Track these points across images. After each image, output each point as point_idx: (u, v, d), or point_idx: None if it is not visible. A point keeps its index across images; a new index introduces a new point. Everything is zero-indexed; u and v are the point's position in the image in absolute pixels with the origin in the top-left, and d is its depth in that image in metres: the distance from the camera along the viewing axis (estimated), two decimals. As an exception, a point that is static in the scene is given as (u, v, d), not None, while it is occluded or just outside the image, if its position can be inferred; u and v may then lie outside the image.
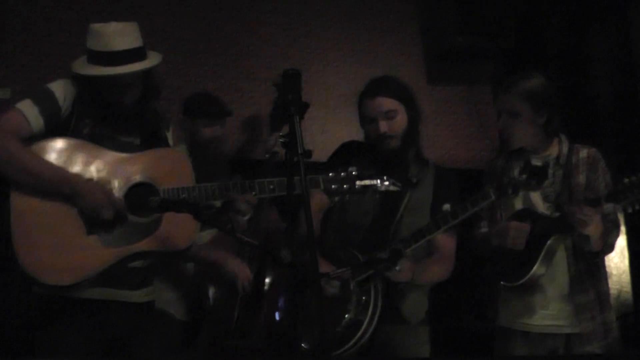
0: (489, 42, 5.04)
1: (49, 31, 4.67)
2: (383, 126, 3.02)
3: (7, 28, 4.62)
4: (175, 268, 3.48)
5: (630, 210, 2.87)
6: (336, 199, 2.87)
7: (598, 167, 3.16)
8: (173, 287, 3.48)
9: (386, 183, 2.77)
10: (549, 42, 5.10)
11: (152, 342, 2.93)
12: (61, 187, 2.62)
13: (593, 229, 2.93)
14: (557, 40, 5.08)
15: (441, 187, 3.11)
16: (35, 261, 2.58)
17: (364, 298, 2.92)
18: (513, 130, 3.16)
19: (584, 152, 3.19)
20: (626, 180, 2.88)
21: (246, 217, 2.81)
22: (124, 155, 2.74)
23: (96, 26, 2.72)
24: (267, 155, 3.86)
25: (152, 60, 2.78)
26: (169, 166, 2.78)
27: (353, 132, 3.35)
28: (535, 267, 3.02)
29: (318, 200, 2.94)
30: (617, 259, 4.79)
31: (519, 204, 3.11)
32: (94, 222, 2.64)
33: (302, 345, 2.82)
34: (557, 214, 3.05)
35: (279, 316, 3.07)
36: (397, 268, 2.86)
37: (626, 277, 4.81)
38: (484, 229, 3.21)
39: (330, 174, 2.78)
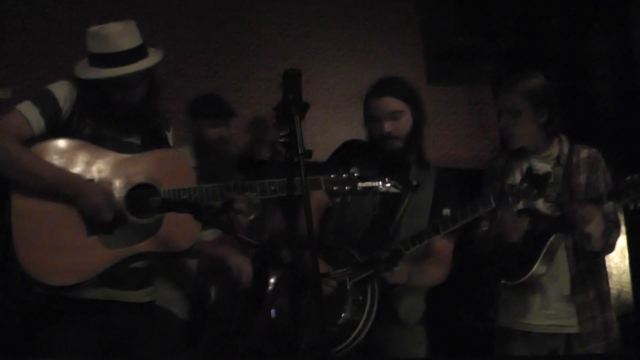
0: (489, 42, 5.05)
1: (49, 31, 4.68)
2: (387, 126, 3.00)
3: (7, 28, 4.63)
4: (178, 268, 3.48)
5: (632, 208, 2.88)
6: (337, 200, 2.87)
7: (598, 167, 3.16)
8: (176, 287, 3.49)
9: (387, 185, 2.77)
10: (549, 42, 5.10)
11: (154, 341, 2.93)
12: (62, 188, 2.62)
13: (594, 228, 2.93)
14: (557, 40, 5.08)
15: (441, 190, 3.10)
16: (35, 261, 2.58)
17: (360, 298, 2.91)
18: (514, 130, 3.16)
19: (584, 152, 3.19)
20: (628, 178, 2.89)
21: (250, 217, 2.81)
22: (125, 156, 2.74)
23: (95, 29, 2.71)
24: (267, 155, 3.87)
25: (155, 57, 2.78)
26: (169, 167, 2.78)
27: (353, 132, 3.35)
28: (535, 266, 3.02)
29: (317, 198, 2.94)
30: (618, 259, 4.80)
31: (519, 204, 3.11)
32: (94, 223, 2.64)
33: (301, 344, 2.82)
34: (557, 213, 3.05)
35: (280, 316, 3.07)
36: (397, 268, 2.86)
37: (626, 277, 4.82)
38: (485, 229, 3.21)
39: (332, 175, 2.77)
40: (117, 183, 2.69)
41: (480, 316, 3.44)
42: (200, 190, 2.72)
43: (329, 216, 3.14)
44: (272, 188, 2.74)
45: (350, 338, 2.85)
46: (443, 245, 3.06)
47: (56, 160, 2.65)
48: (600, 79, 4.95)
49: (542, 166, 3.19)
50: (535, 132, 3.16)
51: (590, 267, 3.12)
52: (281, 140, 2.33)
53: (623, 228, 3.77)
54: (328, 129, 4.92)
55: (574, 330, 3.11)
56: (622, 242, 4.65)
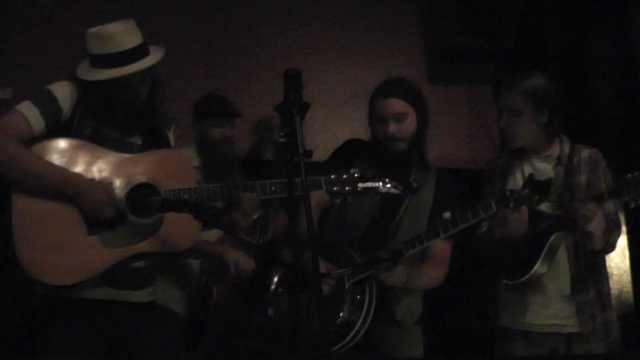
0: (489, 42, 5.06)
1: (49, 31, 4.68)
2: (392, 127, 3.00)
3: (7, 28, 4.63)
4: (181, 267, 3.49)
5: (633, 205, 2.88)
6: (338, 200, 2.86)
7: (599, 167, 3.16)
8: (178, 285, 3.49)
9: (388, 185, 2.77)
10: (549, 42, 5.10)
11: (154, 341, 2.93)
12: (62, 187, 2.62)
13: (595, 226, 2.93)
14: (557, 40, 5.08)
15: (442, 192, 3.10)
16: (36, 261, 2.58)
17: (358, 297, 2.92)
18: (514, 129, 3.16)
19: (585, 153, 3.19)
20: (629, 176, 2.89)
21: (252, 217, 2.81)
22: (125, 155, 2.74)
23: (95, 30, 2.71)
24: (267, 156, 3.87)
25: (158, 54, 2.78)
26: (170, 167, 2.78)
27: (353, 131, 3.35)
28: (536, 265, 3.02)
29: (317, 196, 2.94)
30: (618, 259, 4.80)
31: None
32: (95, 222, 2.64)
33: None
34: (558, 213, 3.05)
35: (277, 314, 3.07)
36: (393, 270, 2.86)
37: (627, 277, 4.82)
38: (485, 230, 3.21)
39: (333, 176, 2.77)
40: (118, 183, 2.69)
41: (481, 316, 3.44)
42: (201, 191, 2.72)
43: (328, 215, 3.14)
44: (273, 188, 2.74)
45: (348, 338, 2.85)
46: (441, 247, 3.05)
47: (57, 160, 2.64)
48: (600, 79, 4.95)
49: (542, 166, 3.19)
50: (536, 132, 3.16)
51: (590, 266, 3.12)
52: (282, 140, 2.33)
53: (623, 228, 3.77)
54: (328, 129, 4.93)
55: (574, 330, 3.11)
56: (622, 242, 4.65)
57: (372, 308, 2.89)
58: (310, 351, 2.56)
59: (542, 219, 3.05)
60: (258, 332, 3.19)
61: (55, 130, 2.69)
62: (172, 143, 2.96)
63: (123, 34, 2.70)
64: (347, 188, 2.76)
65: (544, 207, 3.08)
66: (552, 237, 3.03)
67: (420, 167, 3.11)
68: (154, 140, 2.85)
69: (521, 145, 3.19)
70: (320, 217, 3.11)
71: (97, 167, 2.68)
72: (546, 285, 3.12)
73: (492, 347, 3.29)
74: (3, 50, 4.57)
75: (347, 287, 2.92)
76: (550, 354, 3.13)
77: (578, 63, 5.01)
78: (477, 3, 5.02)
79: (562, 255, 3.11)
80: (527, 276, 3.04)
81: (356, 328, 2.86)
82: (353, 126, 4.82)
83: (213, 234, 3.39)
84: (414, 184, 2.97)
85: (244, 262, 3.20)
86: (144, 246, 2.69)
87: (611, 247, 3.12)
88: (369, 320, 2.88)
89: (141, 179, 2.71)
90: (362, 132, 3.21)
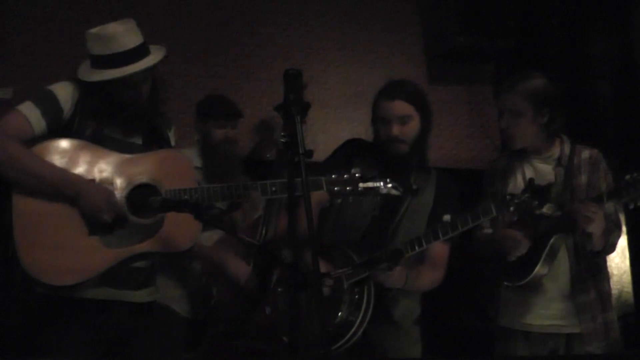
0: (490, 42, 5.05)
1: (49, 31, 4.68)
2: (396, 130, 2.99)
3: (7, 28, 4.62)
4: (182, 266, 3.49)
5: (632, 207, 2.88)
6: (338, 200, 2.86)
7: (599, 167, 3.16)
8: (179, 285, 3.49)
9: (389, 185, 2.76)
10: (549, 42, 5.10)
11: (155, 340, 2.93)
12: (62, 188, 2.62)
13: (596, 227, 2.93)
14: (557, 40, 5.08)
15: (442, 195, 3.10)
16: (36, 261, 2.58)
17: (357, 298, 2.92)
18: (515, 130, 3.16)
19: (585, 153, 3.19)
20: (628, 177, 2.89)
21: (254, 217, 2.82)
22: (126, 156, 2.74)
23: (95, 30, 2.71)
24: (268, 156, 3.87)
25: (159, 53, 2.79)
26: (171, 167, 2.78)
27: (353, 132, 3.36)
28: (537, 267, 3.02)
29: (317, 196, 2.93)
30: (618, 259, 4.80)
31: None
32: (95, 223, 2.64)
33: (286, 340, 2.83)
34: (558, 214, 3.05)
35: (275, 313, 3.07)
36: (397, 269, 2.86)
37: (627, 278, 4.82)
38: (487, 230, 3.21)
39: (333, 176, 2.77)
40: (119, 183, 2.69)
41: (481, 316, 3.44)
42: (201, 191, 2.72)
43: (327, 216, 3.14)
44: (273, 189, 2.74)
45: (346, 337, 2.86)
46: (439, 249, 3.05)
47: (57, 160, 2.65)
48: (600, 79, 4.95)
49: (543, 167, 3.19)
50: (536, 132, 3.16)
51: (591, 267, 3.12)
52: (282, 140, 2.33)
53: (624, 228, 3.77)
54: (328, 129, 4.93)
55: (575, 330, 3.11)
56: (622, 242, 4.65)
57: (370, 308, 2.89)
58: (309, 351, 2.56)
59: (543, 221, 3.05)
60: (258, 332, 3.19)
61: (56, 130, 2.69)
62: (173, 143, 2.96)
63: (124, 34, 2.70)
64: (347, 188, 2.76)
65: (544, 208, 3.08)
66: (552, 239, 3.03)
67: (420, 169, 3.11)
68: (155, 141, 2.85)
69: (522, 146, 3.19)
70: (320, 217, 3.11)
71: (97, 167, 2.68)
72: (546, 286, 3.12)
73: (492, 347, 3.29)
74: (3, 50, 4.57)
75: (345, 287, 2.92)
76: (550, 354, 3.13)
77: (578, 63, 5.00)
78: (477, 3, 5.02)
79: (563, 255, 3.11)
80: (528, 278, 3.04)
81: (354, 328, 2.86)
82: (353, 126, 4.82)
83: (214, 234, 3.39)
84: (414, 186, 2.97)
85: (244, 273, 3.22)
86: (144, 246, 2.69)
87: (611, 247, 3.12)
88: (366, 321, 2.88)
89: (142, 179, 2.71)
90: (362, 132, 3.21)
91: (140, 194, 2.69)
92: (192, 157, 3.50)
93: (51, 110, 2.68)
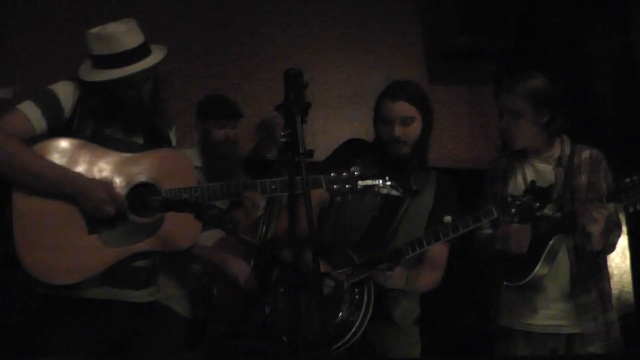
0: (490, 43, 5.05)
1: (49, 31, 4.67)
2: (398, 131, 3.00)
3: (7, 28, 4.62)
4: (183, 266, 3.49)
5: (631, 210, 2.88)
6: (338, 199, 2.86)
7: (600, 168, 3.16)
8: (179, 285, 3.49)
9: (388, 184, 2.77)
10: (549, 42, 5.10)
11: (155, 340, 2.93)
12: (62, 187, 2.62)
13: (596, 227, 2.93)
14: (557, 40, 5.08)
15: (442, 196, 3.10)
16: (36, 261, 2.58)
17: (357, 298, 2.92)
18: (515, 130, 3.16)
19: (586, 153, 3.19)
20: (627, 180, 2.88)
21: (254, 216, 2.82)
22: (126, 155, 2.74)
23: (96, 30, 2.71)
24: (268, 156, 3.87)
25: (160, 53, 2.79)
26: (171, 167, 2.78)
27: (353, 131, 3.36)
28: (537, 267, 3.02)
29: (316, 194, 2.94)
30: (619, 259, 4.80)
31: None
32: (96, 220, 2.64)
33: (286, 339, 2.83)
34: (558, 214, 3.05)
35: (274, 313, 3.07)
36: (390, 273, 2.86)
37: (627, 278, 4.82)
38: (487, 230, 3.20)
39: (333, 174, 2.77)
40: (118, 182, 2.69)
41: (481, 316, 3.44)
42: (201, 190, 2.72)
43: (327, 215, 3.14)
44: (273, 187, 2.75)
45: (346, 337, 2.86)
46: (439, 250, 3.05)
47: (57, 160, 2.64)
48: (600, 79, 4.94)
49: (543, 167, 3.19)
50: (537, 133, 3.16)
51: (591, 267, 3.12)
52: (283, 140, 2.33)
53: (624, 228, 3.77)
54: (328, 129, 4.93)
55: (575, 330, 3.11)
56: (622, 242, 4.65)
57: (370, 308, 2.89)
58: (309, 351, 2.56)
59: (543, 221, 3.05)
60: (258, 332, 3.19)
61: (57, 130, 2.69)
62: (174, 143, 2.96)
63: (125, 33, 2.71)
64: (347, 186, 2.76)
65: (545, 209, 3.08)
66: (552, 239, 3.03)
67: (420, 170, 3.11)
68: (156, 140, 2.85)
69: (522, 146, 3.19)
70: (320, 217, 3.12)
71: (97, 166, 2.68)
72: (547, 286, 3.12)
73: (492, 347, 3.29)
74: (3, 50, 4.57)
75: (345, 287, 2.92)
76: (550, 354, 3.13)
77: (578, 63, 5.00)
78: (477, 3, 5.02)
79: (563, 255, 3.11)
80: (528, 278, 3.04)
81: (354, 328, 2.87)
82: (353, 126, 4.82)
83: (214, 234, 3.39)
84: (414, 187, 2.97)
85: (244, 273, 3.22)
86: (144, 245, 2.69)
87: (611, 247, 3.12)
88: (367, 321, 2.88)
89: (142, 178, 2.71)
90: (362, 132, 3.21)
91: (140, 193, 2.69)
92: (192, 157, 3.50)
93: (52, 110, 2.68)
